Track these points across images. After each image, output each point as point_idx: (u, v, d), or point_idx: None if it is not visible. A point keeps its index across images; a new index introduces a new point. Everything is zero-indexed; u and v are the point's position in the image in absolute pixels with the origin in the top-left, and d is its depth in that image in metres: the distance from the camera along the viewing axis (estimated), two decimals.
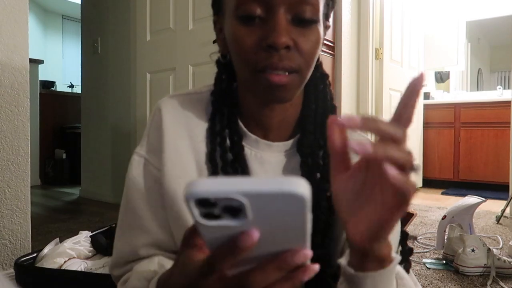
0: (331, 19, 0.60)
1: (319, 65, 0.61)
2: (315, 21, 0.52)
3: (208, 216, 0.28)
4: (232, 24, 0.54)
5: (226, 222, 0.28)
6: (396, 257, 0.43)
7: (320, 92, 0.62)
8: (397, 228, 0.57)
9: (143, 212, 0.59)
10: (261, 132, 0.61)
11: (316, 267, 0.33)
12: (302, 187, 0.26)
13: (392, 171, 0.32)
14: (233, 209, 0.27)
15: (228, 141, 0.60)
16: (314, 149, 0.60)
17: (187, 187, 0.27)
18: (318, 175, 0.59)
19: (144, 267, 0.54)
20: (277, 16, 0.50)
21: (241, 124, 0.61)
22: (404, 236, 0.58)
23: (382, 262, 0.42)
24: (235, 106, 0.61)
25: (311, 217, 0.29)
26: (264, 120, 0.61)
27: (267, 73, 0.51)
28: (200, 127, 0.62)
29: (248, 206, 0.27)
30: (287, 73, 0.52)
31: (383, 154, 0.33)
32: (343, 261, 0.44)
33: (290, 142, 0.62)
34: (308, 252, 0.31)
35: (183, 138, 0.61)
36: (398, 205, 0.35)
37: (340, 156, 0.38)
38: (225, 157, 0.59)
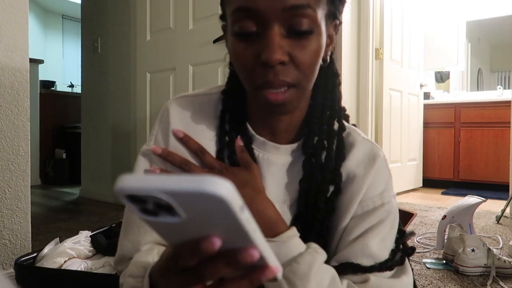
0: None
1: (331, 63, 0.61)
2: (312, 32, 0.51)
3: (145, 211, 0.28)
4: (231, 39, 0.54)
5: (164, 219, 0.29)
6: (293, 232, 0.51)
7: (329, 92, 0.62)
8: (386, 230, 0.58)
9: None
10: (268, 134, 0.62)
11: (277, 270, 0.33)
12: (220, 186, 0.25)
13: None
14: (165, 206, 0.27)
15: None
16: (317, 150, 0.60)
17: (118, 182, 0.27)
18: (319, 176, 0.59)
19: (143, 257, 0.54)
20: (270, 32, 0.50)
21: (249, 126, 0.61)
22: (401, 235, 0.59)
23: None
24: (244, 108, 0.62)
25: (248, 217, 0.28)
26: (272, 124, 0.61)
27: (265, 90, 0.52)
28: (208, 128, 0.62)
29: (174, 204, 0.27)
30: (284, 89, 0.52)
31: None
32: None
33: (296, 144, 0.62)
34: (255, 253, 0.30)
35: None
36: None
37: None
38: (233, 158, 0.59)
